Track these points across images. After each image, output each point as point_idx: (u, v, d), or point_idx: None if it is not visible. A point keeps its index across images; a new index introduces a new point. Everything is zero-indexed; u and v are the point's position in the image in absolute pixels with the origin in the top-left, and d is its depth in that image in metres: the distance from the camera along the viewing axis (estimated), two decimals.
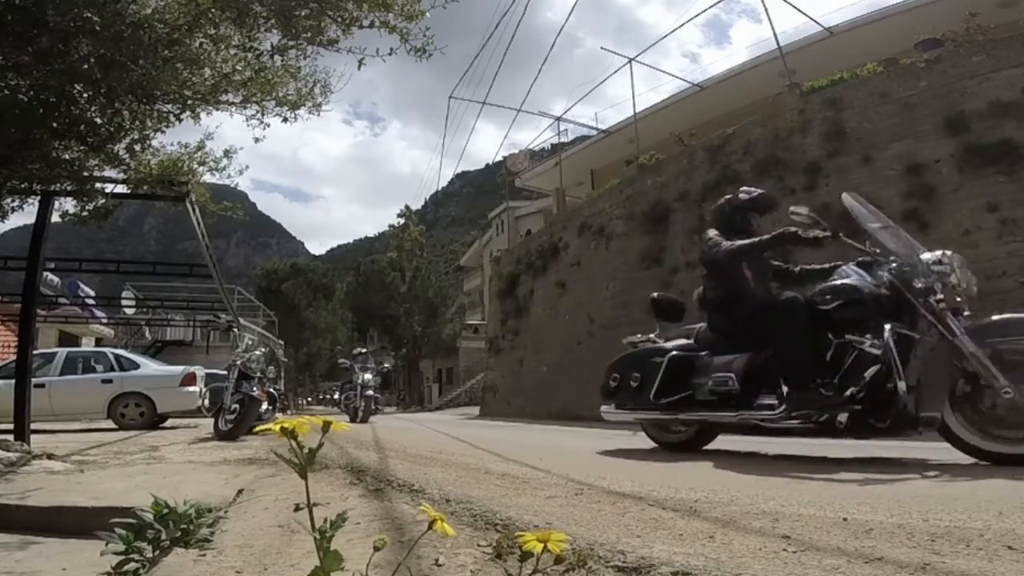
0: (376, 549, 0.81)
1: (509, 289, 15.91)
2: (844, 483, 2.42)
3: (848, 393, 2.87)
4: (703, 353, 3.74)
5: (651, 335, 4.25)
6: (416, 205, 51.86)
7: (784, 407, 3.07)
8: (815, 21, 11.74)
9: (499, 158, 24.73)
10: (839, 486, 2.33)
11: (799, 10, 12.72)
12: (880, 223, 3.21)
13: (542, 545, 0.74)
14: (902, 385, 2.73)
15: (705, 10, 20.94)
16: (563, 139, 17.78)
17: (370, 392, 10.10)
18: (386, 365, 13.73)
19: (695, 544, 1.37)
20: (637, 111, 13.99)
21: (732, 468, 2.91)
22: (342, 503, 2.04)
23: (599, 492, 2.18)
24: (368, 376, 10.30)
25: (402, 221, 37.96)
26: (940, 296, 2.75)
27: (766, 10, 10.73)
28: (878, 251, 3.14)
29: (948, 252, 2.88)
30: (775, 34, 10.75)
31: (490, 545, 1.39)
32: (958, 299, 2.81)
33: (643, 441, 4.23)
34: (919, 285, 2.81)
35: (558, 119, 17.08)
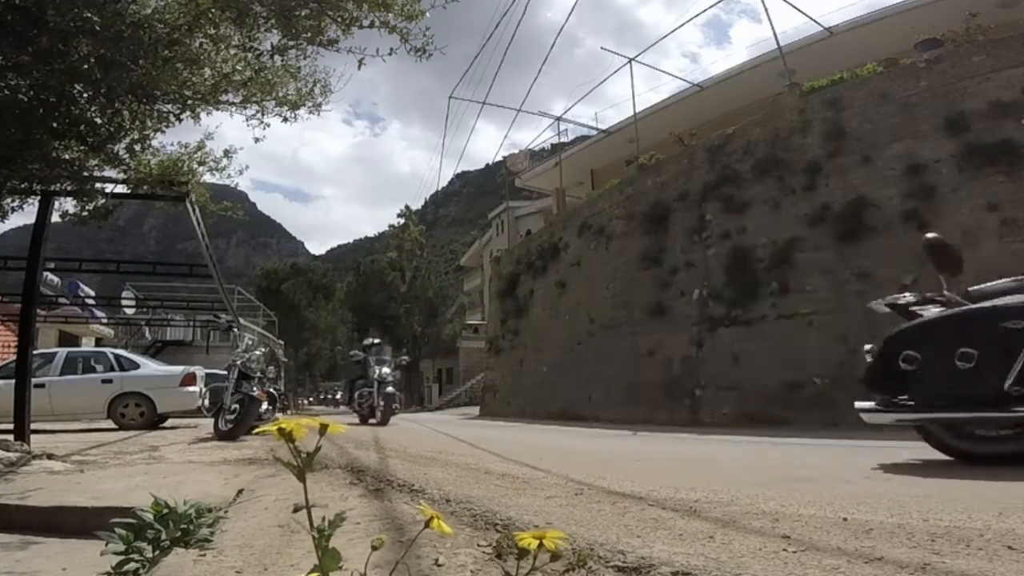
0: (374, 548, 0.81)
1: (509, 289, 15.92)
2: (844, 483, 2.42)
3: None
4: None
5: (931, 294, 3.06)
6: (416, 205, 51.86)
7: None
8: (815, 21, 11.74)
9: (499, 158, 24.74)
10: (839, 486, 2.33)
11: (799, 10, 12.74)
12: None
13: (537, 542, 0.73)
14: None
15: (705, 10, 20.98)
16: (563, 139, 17.81)
17: (389, 389, 8.63)
18: (405, 358, 11.76)
19: (695, 544, 1.37)
20: (637, 111, 14.00)
21: None
22: (342, 503, 2.04)
23: (599, 492, 2.18)
24: (386, 370, 8.89)
25: (402, 221, 37.95)
26: None
27: (766, 10, 10.74)
28: None
29: None
30: (775, 34, 10.76)
31: (490, 545, 1.40)
32: None
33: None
34: None
35: (558, 119, 17.10)
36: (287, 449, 0.76)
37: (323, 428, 0.78)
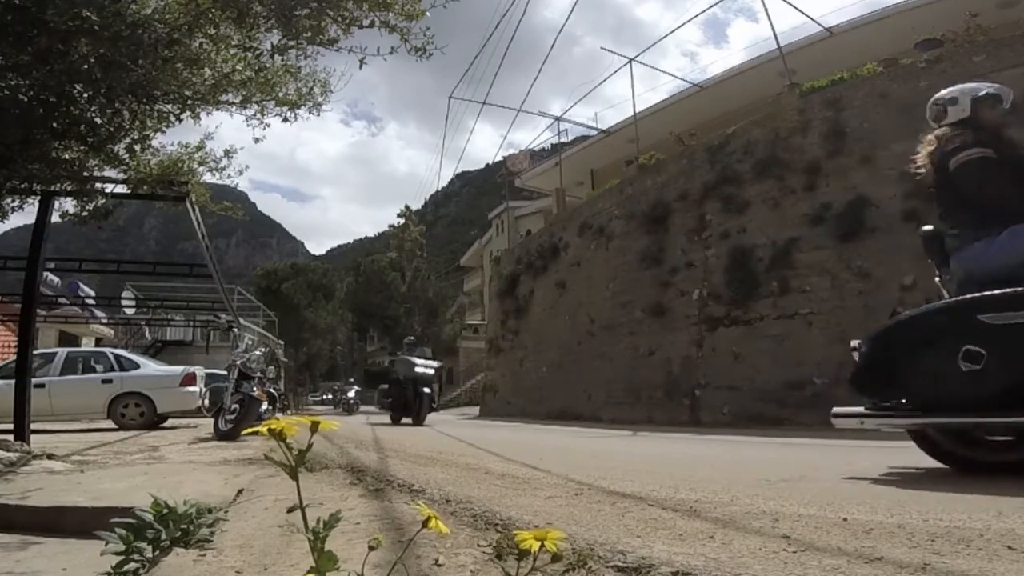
0: (371, 548, 0.81)
1: (509, 289, 15.91)
2: (844, 483, 2.42)
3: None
4: None
5: None
6: (416, 205, 51.82)
7: None
8: (815, 21, 11.74)
9: (499, 158, 24.74)
10: (839, 486, 2.33)
11: (799, 10, 12.72)
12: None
13: (539, 543, 0.73)
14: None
15: (705, 10, 20.89)
16: (563, 139, 17.80)
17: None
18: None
19: (695, 544, 1.37)
20: (637, 111, 13.99)
21: None
22: (342, 503, 2.04)
23: (599, 492, 2.18)
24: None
25: (402, 221, 37.98)
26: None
27: (766, 10, 10.74)
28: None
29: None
30: (775, 34, 10.76)
31: (490, 545, 1.39)
32: None
33: None
34: None
35: (558, 119, 17.09)
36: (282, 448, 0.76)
37: (314, 425, 0.78)
